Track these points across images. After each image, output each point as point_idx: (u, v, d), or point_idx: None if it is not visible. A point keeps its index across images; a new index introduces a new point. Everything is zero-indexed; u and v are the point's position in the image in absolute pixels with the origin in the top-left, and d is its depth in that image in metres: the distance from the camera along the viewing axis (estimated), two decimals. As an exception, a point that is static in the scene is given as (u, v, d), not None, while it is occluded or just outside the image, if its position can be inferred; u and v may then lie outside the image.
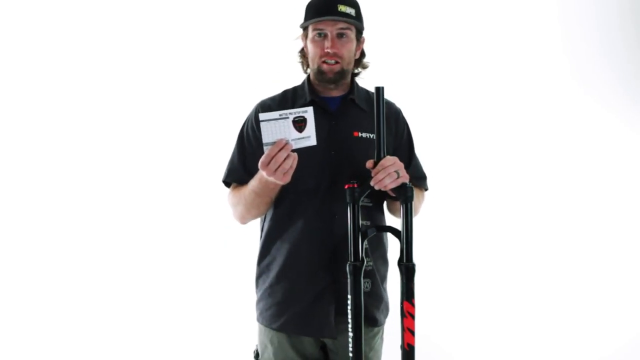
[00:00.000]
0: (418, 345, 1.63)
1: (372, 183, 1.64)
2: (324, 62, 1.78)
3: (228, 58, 3.32)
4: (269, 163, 1.58)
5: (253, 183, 1.76)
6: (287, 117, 1.57)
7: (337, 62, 1.78)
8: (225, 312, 3.20)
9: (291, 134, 1.58)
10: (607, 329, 3.34)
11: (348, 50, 1.78)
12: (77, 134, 3.32)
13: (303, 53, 1.89)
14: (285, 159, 1.57)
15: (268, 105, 1.86)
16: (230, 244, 3.06)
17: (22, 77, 3.29)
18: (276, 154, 1.57)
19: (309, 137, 1.59)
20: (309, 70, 1.88)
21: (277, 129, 1.57)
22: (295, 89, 1.91)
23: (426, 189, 1.96)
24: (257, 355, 1.90)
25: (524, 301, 3.37)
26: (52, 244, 3.28)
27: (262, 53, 3.22)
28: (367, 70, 1.93)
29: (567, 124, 3.49)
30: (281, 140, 1.57)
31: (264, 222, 1.90)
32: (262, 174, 1.65)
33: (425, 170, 1.96)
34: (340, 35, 1.77)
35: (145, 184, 3.31)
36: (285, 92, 1.91)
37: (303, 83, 1.90)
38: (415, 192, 1.78)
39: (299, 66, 1.93)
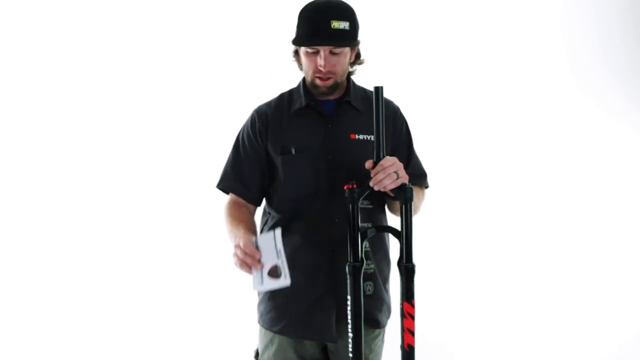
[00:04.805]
0: (418, 345, 1.63)
1: (371, 184, 1.63)
2: (317, 77, 1.76)
3: (227, 60, 3.32)
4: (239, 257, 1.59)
5: (230, 231, 1.75)
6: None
7: (330, 78, 1.76)
8: (227, 312, 3.20)
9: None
10: (607, 329, 3.34)
11: (341, 65, 1.76)
12: (77, 137, 3.32)
13: (298, 54, 1.84)
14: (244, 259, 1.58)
15: (264, 111, 1.85)
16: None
17: (22, 78, 3.29)
18: (245, 255, 1.57)
19: (285, 277, 1.57)
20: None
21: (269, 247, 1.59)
22: (291, 92, 1.89)
23: (426, 187, 1.95)
24: (257, 355, 1.91)
25: (524, 301, 3.37)
26: (53, 246, 3.29)
27: (262, 54, 3.22)
28: (367, 69, 1.91)
29: (566, 125, 3.49)
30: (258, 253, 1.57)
31: (264, 224, 1.89)
32: (233, 240, 1.68)
33: (425, 168, 1.95)
34: (333, 52, 1.73)
35: (146, 186, 3.31)
36: (281, 96, 1.89)
37: (299, 86, 1.87)
38: (416, 190, 1.77)
39: (296, 66, 1.88)
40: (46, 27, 3.27)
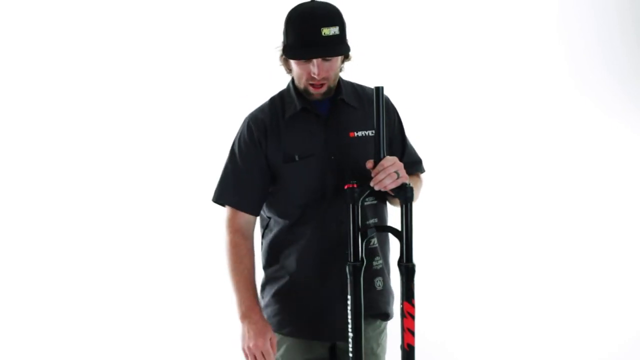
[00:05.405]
0: (418, 345, 1.63)
1: (372, 184, 1.63)
2: (310, 84, 1.72)
3: (227, 61, 3.33)
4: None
5: (234, 291, 1.79)
6: None
7: (323, 84, 1.72)
8: (228, 313, 3.19)
9: None
10: (607, 329, 3.34)
11: (334, 70, 1.72)
12: (75, 138, 3.33)
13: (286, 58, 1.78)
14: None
15: (261, 118, 1.80)
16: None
17: (22, 78, 3.29)
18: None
19: None
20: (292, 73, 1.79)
21: None
22: (281, 95, 1.83)
23: (423, 172, 1.94)
24: None
25: (524, 301, 3.37)
26: (51, 247, 3.29)
27: (262, 55, 3.20)
28: (365, 68, 1.90)
29: (565, 125, 3.50)
30: None
31: (265, 228, 1.87)
32: (240, 308, 1.76)
33: (419, 153, 1.92)
34: (326, 59, 1.68)
35: (144, 186, 3.32)
36: (272, 100, 1.84)
37: (288, 87, 1.82)
38: (414, 179, 1.78)
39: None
40: (46, 27, 3.28)
